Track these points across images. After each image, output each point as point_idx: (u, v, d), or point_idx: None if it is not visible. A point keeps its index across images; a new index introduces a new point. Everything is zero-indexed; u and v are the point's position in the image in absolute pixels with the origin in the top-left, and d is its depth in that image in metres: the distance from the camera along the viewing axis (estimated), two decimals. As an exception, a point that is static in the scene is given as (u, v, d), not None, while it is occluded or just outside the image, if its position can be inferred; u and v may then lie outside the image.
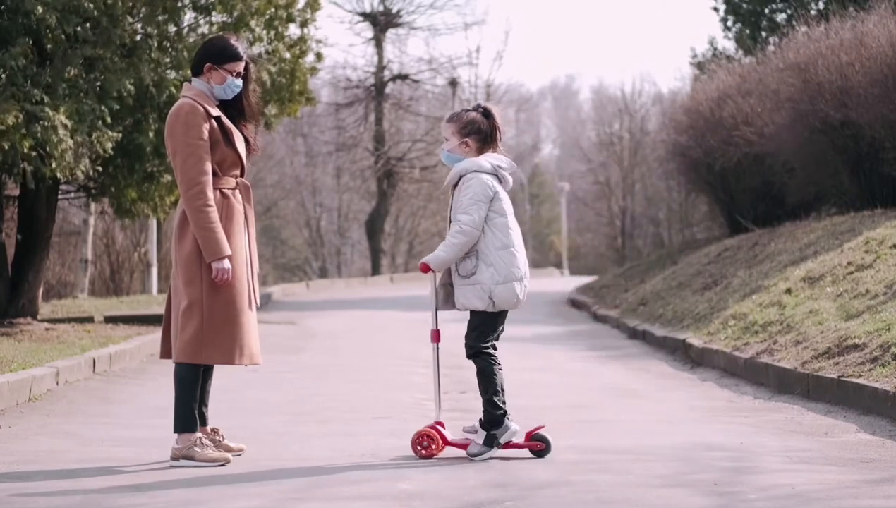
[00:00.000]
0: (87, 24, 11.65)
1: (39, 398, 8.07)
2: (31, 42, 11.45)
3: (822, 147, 16.23)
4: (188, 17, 12.88)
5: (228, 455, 5.73)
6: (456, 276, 5.84)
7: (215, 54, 5.85)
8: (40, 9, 11.06)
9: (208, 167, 5.67)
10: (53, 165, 11.18)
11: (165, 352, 5.91)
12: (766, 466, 5.52)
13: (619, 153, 46.68)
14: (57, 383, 8.61)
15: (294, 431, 6.76)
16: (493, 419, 5.77)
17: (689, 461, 5.68)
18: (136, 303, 18.07)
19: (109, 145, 11.63)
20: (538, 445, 5.80)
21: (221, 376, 8.27)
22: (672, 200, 41.49)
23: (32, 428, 6.85)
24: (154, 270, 23.61)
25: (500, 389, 5.81)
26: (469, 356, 5.85)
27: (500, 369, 5.84)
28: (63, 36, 11.42)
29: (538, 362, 11.07)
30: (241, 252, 5.78)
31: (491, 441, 5.75)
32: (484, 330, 5.82)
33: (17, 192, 13.64)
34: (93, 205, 20.66)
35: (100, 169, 12.43)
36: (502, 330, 5.91)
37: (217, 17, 12.92)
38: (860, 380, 7.36)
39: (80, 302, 18.45)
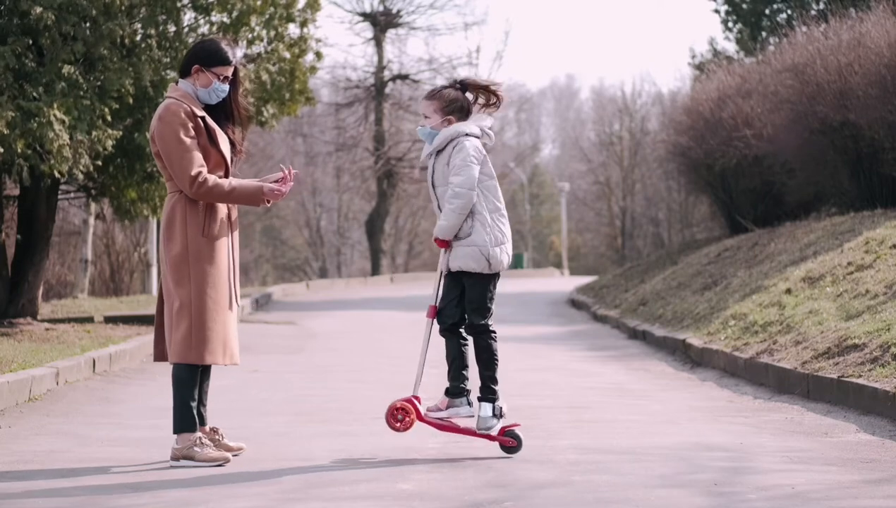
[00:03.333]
0: (86, 24, 11.66)
1: (39, 398, 8.07)
2: (30, 42, 11.45)
3: (821, 147, 16.24)
4: (188, 17, 12.88)
5: (228, 454, 5.73)
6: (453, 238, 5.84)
7: (204, 57, 5.87)
8: (38, 8, 11.06)
9: (202, 159, 5.71)
10: (52, 162, 11.18)
11: (159, 355, 5.93)
12: (766, 466, 5.52)
13: (619, 153, 46.69)
14: (57, 383, 8.61)
15: (294, 431, 6.76)
16: (494, 392, 5.81)
17: (689, 461, 5.68)
18: (136, 303, 18.07)
19: (110, 144, 11.63)
20: (510, 441, 5.80)
21: (222, 376, 8.28)
22: (672, 200, 41.54)
23: (32, 428, 6.85)
24: (154, 270, 23.62)
25: (498, 365, 5.83)
26: (471, 333, 5.83)
27: (498, 344, 5.86)
28: (59, 35, 11.41)
29: (538, 362, 11.07)
30: (223, 253, 5.81)
31: (501, 414, 5.79)
32: (482, 302, 5.80)
33: (17, 192, 13.64)
34: (92, 206, 20.67)
35: (99, 166, 12.42)
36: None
37: (217, 17, 12.92)
38: (860, 380, 7.36)
39: (80, 302, 18.45)
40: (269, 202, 5.90)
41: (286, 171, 5.92)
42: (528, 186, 52.87)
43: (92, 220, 22.51)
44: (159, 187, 13.12)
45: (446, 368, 5.94)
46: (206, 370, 5.90)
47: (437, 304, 5.90)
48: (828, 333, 8.87)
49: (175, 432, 5.72)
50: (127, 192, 13.33)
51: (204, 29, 12.93)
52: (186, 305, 5.70)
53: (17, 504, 4.82)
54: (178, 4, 12.36)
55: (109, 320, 14.31)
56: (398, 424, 5.77)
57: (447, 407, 5.87)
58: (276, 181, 5.89)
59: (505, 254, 5.83)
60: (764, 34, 23.51)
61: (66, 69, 11.35)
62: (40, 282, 13.47)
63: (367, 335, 14.44)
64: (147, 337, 11.64)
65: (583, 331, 15.12)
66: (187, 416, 5.70)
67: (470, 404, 5.86)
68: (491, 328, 5.83)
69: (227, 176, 5.87)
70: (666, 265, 19.49)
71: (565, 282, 29.56)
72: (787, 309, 10.37)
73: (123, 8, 11.82)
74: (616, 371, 10.41)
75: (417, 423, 5.82)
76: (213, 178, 5.71)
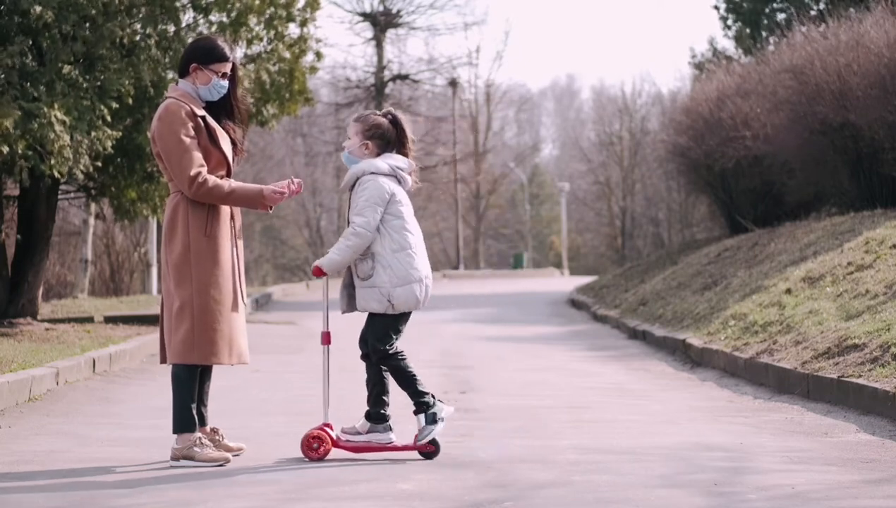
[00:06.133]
0: (86, 24, 11.66)
1: (39, 398, 8.07)
2: (30, 42, 11.45)
3: (821, 148, 16.24)
4: (187, 16, 12.88)
5: (228, 455, 5.73)
6: (356, 278, 5.87)
7: (201, 55, 5.86)
8: (38, 7, 11.07)
9: (202, 159, 5.71)
10: (52, 162, 11.19)
11: (165, 357, 5.92)
12: (766, 466, 5.52)
13: (619, 153, 46.74)
14: (57, 383, 8.61)
15: (294, 431, 6.75)
16: (425, 402, 5.77)
17: (689, 461, 5.68)
18: (136, 303, 18.07)
19: (109, 144, 11.64)
20: (428, 447, 5.77)
21: (222, 376, 8.27)
22: (672, 200, 41.57)
23: (32, 428, 6.85)
24: (154, 270, 23.63)
25: (417, 377, 5.79)
26: (376, 361, 5.85)
27: (408, 361, 5.83)
28: (59, 34, 11.42)
29: (539, 362, 11.07)
30: (227, 253, 5.80)
31: (434, 419, 5.75)
32: (387, 332, 5.83)
33: (17, 192, 13.64)
34: (92, 206, 20.69)
35: (99, 166, 12.42)
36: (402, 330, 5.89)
37: (216, 17, 12.92)
38: (860, 380, 7.36)
39: (80, 302, 18.45)
40: (269, 207, 5.89)
41: (290, 183, 5.90)
42: (528, 186, 52.87)
43: (92, 220, 22.52)
44: (159, 187, 13.12)
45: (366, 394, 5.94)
46: (206, 370, 5.90)
47: (329, 330, 5.94)
48: (828, 333, 8.87)
49: (175, 432, 5.71)
50: (127, 192, 13.33)
51: (203, 29, 12.93)
52: (188, 305, 5.69)
53: (17, 504, 4.82)
54: (178, 4, 12.36)
55: (109, 320, 14.31)
56: (313, 453, 5.75)
57: (368, 432, 5.86)
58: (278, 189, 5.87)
59: (412, 293, 5.76)
60: (763, 34, 23.52)
61: (66, 69, 11.36)
62: (40, 282, 13.47)
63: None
64: (147, 336, 11.64)
65: (583, 331, 15.12)
66: (187, 416, 5.70)
67: (390, 429, 5.84)
68: (393, 352, 5.81)
69: (228, 175, 5.86)
70: (666, 265, 19.49)
71: (565, 282, 29.56)
72: (787, 309, 10.37)
73: (123, 7, 11.82)
74: (616, 371, 10.41)
75: (329, 450, 5.78)
76: (213, 179, 5.71)
